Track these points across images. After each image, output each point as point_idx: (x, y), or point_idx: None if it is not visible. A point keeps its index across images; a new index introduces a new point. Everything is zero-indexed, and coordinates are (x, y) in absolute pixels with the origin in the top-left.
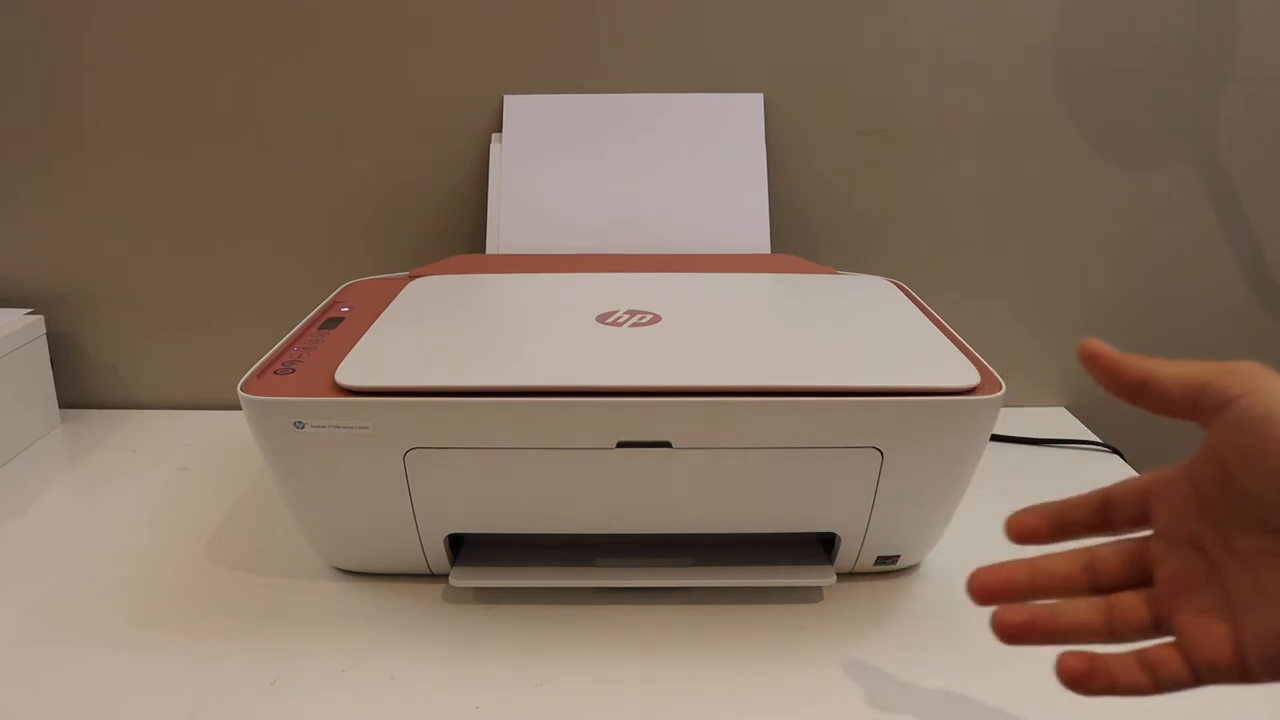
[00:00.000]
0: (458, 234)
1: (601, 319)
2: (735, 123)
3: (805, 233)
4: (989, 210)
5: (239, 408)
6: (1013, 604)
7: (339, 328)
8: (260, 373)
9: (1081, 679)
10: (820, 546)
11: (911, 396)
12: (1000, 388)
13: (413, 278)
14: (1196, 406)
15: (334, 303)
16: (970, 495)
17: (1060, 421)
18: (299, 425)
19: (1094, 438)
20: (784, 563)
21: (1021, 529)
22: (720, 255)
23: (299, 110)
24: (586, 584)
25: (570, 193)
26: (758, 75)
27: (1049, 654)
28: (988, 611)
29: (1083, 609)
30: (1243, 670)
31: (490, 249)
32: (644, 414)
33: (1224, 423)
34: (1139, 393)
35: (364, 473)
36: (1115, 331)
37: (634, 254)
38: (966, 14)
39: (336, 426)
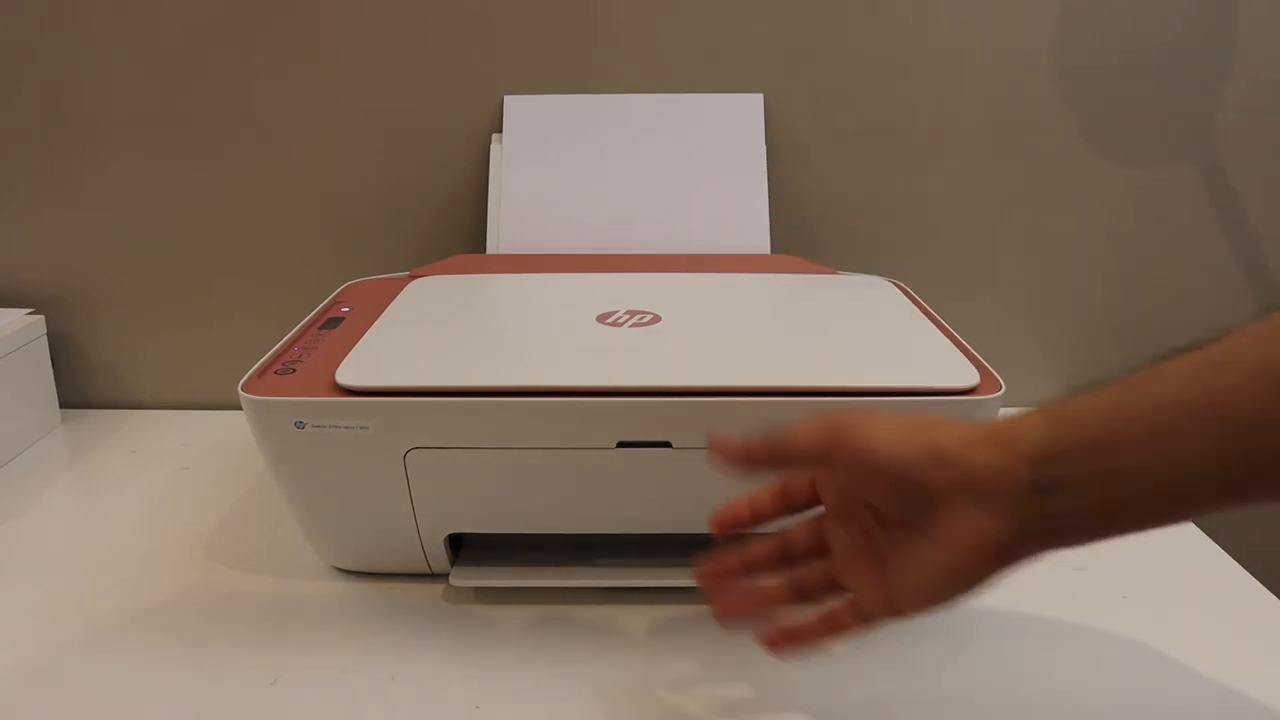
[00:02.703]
0: (458, 234)
1: (602, 319)
2: (735, 123)
3: (805, 233)
4: (989, 210)
5: (239, 408)
6: (727, 592)
7: (339, 328)
8: (260, 373)
9: (778, 644)
10: None
11: (911, 396)
12: (1000, 387)
13: (413, 278)
14: (828, 455)
15: (334, 303)
16: None
17: None
18: (299, 425)
19: None
20: None
21: (722, 521)
22: (720, 255)
23: (299, 110)
24: (586, 584)
25: (570, 193)
26: (758, 75)
27: (1049, 657)
28: (988, 612)
29: (777, 586)
30: (894, 611)
31: (490, 249)
32: (644, 414)
33: (843, 457)
34: (773, 461)
35: (364, 473)
36: (1115, 331)
37: (634, 254)
38: (966, 14)
39: (336, 426)
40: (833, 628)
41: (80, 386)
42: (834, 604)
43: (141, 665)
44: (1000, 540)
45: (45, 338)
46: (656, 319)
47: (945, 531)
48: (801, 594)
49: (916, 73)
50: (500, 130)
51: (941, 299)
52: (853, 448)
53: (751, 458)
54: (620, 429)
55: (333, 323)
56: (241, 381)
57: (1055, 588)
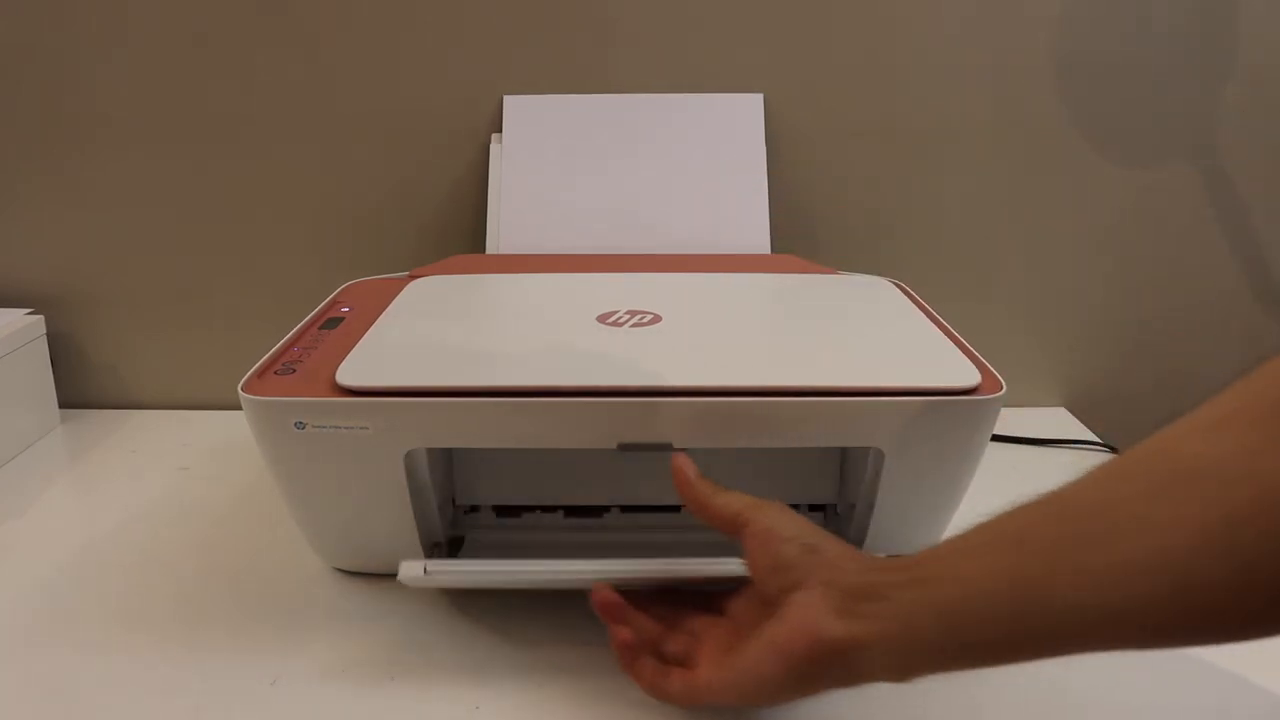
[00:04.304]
0: (458, 234)
1: (602, 319)
2: (735, 123)
3: (805, 233)
4: (989, 210)
5: (239, 408)
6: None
7: (339, 328)
8: (260, 373)
9: (623, 650)
10: None
11: (912, 396)
12: (1001, 387)
13: (413, 278)
14: (735, 526)
15: (334, 303)
16: (971, 495)
17: (1060, 421)
18: (299, 425)
19: (1094, 438)
20: None
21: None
22: (720, 255)
23: (299, 110)
24: (586, 585)
25: (570, 193)
26: (758, 75)
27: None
28: None
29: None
30: (713, 690)
31: (490, 249)
32: (644, 414)
33: (747, 536)
34: (699, 510)
35: (364, 473)
36: (1115, 331)
37: (634, 254)
38: (966, 14)
39: (336, 427)
40: (657, 682)
41: (80, 386)
42: (673, 667)
43: (141, 665)
44: (827, 632)
45: (45, 338)
46: (657, 319)
47: (788, 610)
48: (661, 656)
49: (916, 73)
50: (500, 130)
51: (941, 299)
52: (755, 529)
53: (690, 496)
54: (620, 429)
55: (333, 323)
56: (241, 381)
57: None
